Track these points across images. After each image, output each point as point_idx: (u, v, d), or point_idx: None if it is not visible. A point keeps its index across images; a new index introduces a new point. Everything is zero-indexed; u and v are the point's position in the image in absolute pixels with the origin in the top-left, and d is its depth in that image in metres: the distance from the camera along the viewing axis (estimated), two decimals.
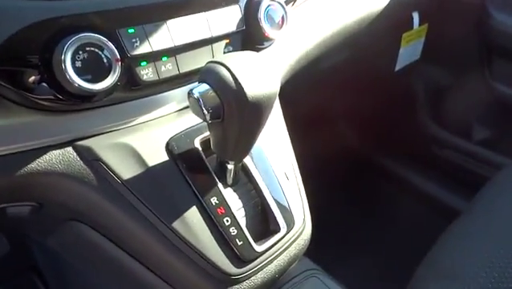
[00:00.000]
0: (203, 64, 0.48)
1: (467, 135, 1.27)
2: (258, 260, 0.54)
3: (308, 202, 0.62)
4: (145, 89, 0.51)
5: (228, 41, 0.57)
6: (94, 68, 0.44)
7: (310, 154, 0.94)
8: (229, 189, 0.54)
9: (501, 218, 0.73)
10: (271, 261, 0.56)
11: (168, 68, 0.51)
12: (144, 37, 0.48)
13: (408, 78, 1.26)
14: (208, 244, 0.51)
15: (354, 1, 0.85)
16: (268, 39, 0.60)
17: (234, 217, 0.52)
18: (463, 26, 1.17)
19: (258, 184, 0.55)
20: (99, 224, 0.52)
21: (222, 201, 0.52)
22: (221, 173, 0.53)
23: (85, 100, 0.46)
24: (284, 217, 0.56)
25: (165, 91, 0.54)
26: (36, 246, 0.77)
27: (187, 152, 0.52)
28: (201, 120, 0.48)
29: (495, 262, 0.64)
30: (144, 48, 0.48)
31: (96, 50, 0.44)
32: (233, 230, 0.52)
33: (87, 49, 0.43)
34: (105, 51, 0.44)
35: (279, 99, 0.69)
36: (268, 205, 0.56)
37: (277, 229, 0.56)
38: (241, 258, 0.52)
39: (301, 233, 0.59)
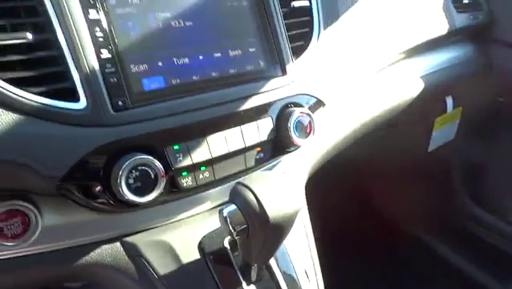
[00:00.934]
0: (236, 170, 0.55)
1: (504, 214, 1.25)
2: None
3: (338, 279, 0.65)
4: (184, 192, 0.59)
5: (260, 149, 0.64)
6: (143, 182, 0.52)
7: (342, 229, 0.97)
8: (253, 286, 0.60)
9: None
10: None
11: (205, 176, 0.59)
12: (187, 152, 0.57)
13: (442, 155, 1.27)
14: None
15: (383, 92, 0.91)
16: (296, 146, 0.66)
17: None
18: (499, 105, 1.18)
19: (279, 283, 0.61)
20: None
21: None
22: (246, 271, 0.59)
23: (133, 206, 0.55)
24: None
25: (201, 192, 0.62)
26: None
27: (216, 251, 0.59)
28: None
29: None
30: (186, 162, 0.57)
31: (146, 168, 0.52)
32: None
33: (139, 168, 0.52)
34: (153, 168, 0.53)
35: (305, 190, 0.75)
36: None
37: None
38: None
39: None
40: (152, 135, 0.54)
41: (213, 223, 0.62)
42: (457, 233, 1.34)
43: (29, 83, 0.48)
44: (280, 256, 0.63)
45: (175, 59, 0.57)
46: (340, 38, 0.77)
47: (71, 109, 0.50)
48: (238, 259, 0.60)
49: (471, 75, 1.10)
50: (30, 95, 0.48)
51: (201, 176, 0.59)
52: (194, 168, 0.58)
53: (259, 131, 0.63)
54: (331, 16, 0.77)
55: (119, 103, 0.52)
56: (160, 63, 0.56)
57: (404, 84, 0.93)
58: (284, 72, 0.66)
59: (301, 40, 0.70)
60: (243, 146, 0.61)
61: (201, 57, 0.59)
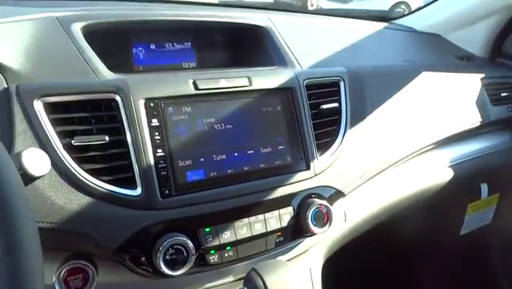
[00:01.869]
0: (258, 251, 0.65)
1: None
2: None
3: None
4: (210, 266, 0.71)
5: (280, 233, 0.74)
6: (177, 258, 0.64)
7: None
8: None
9: None
10: None
11: (229, 255, 0.70)
12: (216, 234, 0.68)
13: (476, 239, 1.27)
14: None
15: (407, 180, 0.96)
16: (314, 235, 0.76)
17: None
18: None
19: None
20: None
21: None
22: None
23: (167, 277, 0.67)
24: None
25: (225, 267, 0.73)
26: None
27: None
28: None
29: None
30: (214, 242, 0.68)
31: (181, 247, 0.65)
32: None
33: (175, 246, 0.64)
34: (186, 247, 0.65)
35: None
36: None
37: None
38: None
39: None
40: (189, 219, 0.67)
41: None
42: None
43: (101, 172, 0.63)
44: None
45: (214, 156, 0.70)
46: (366, 134, 0.85)
47: (129, 195, 0.64)
48: None
49: (509, 163, 1.12)
50: (101, 182, 0.63)
51: (226, 254, 0.70)
52: (221, 247, 0.69)
53: (280, 219, 0.73)
54: (359, 114, 0.86)
55: (166, 191, 0.65)
56: (202, 159, 0.69)
57: (430, 173, 0.98)
58: (308, 167, 0.76)
59: (327, 137, 0.80)
60: (265, 231, 0.72)
61: (236, 154, 0.71)
